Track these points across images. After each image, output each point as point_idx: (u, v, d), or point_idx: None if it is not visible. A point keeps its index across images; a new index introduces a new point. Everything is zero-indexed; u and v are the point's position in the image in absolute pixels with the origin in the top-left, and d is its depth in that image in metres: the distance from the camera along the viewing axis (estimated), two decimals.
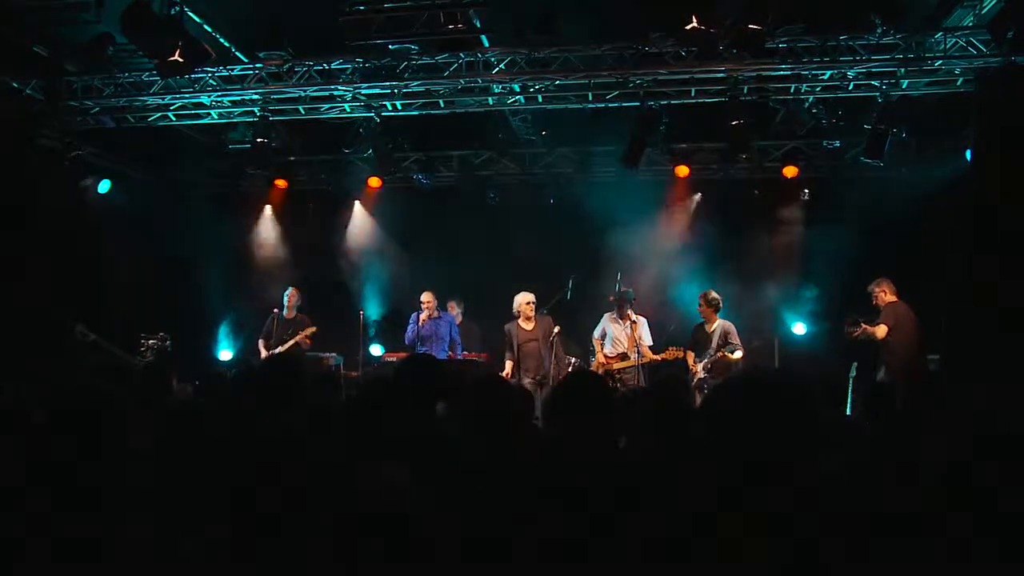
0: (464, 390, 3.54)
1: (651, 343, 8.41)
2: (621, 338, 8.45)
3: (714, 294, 8.36)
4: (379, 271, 10.68)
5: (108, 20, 6.88)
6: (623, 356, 8.38)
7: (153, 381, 4.42)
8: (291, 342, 8.99)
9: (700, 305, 8.36)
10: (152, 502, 2.01)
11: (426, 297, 8.84)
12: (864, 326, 7.56)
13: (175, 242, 10.33)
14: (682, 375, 8.11)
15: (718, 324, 8.23)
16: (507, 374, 8.26)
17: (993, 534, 1.65)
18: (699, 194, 10.34)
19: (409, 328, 8.91)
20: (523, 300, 8.39)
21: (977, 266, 6.64)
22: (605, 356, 8.49)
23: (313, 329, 9.16)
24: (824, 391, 5.08)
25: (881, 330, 7.54)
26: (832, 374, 7.47)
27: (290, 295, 9.31)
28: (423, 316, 8.78)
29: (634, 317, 8.43)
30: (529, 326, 8.38)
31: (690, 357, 8.32)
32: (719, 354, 8.05)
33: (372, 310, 10.44)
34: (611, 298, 8.53)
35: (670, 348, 8.28)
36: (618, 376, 8.21)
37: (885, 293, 7.81)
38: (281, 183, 10.54)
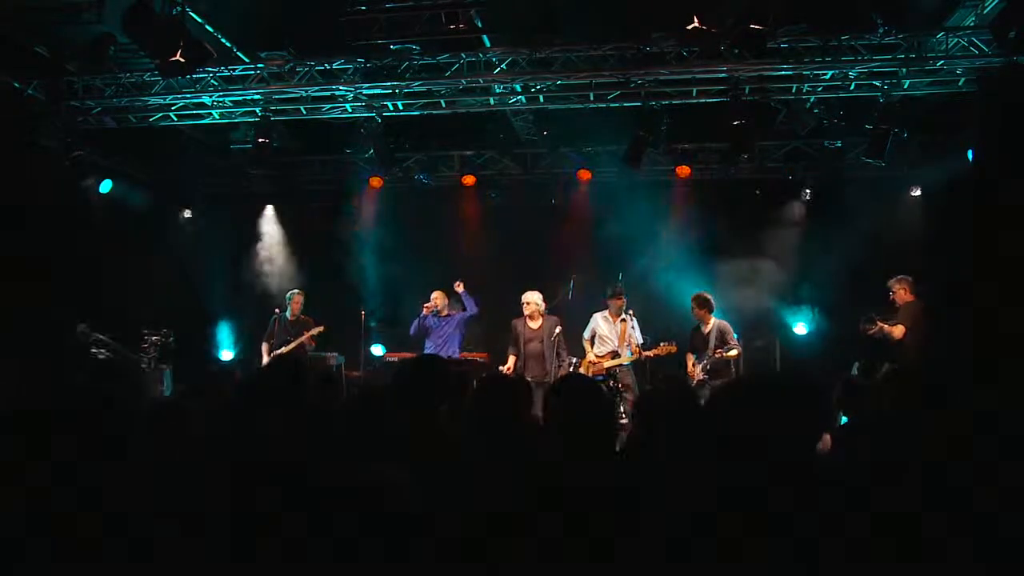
0: (466, 391, 3.54)
1: (641, 341, 8.38)
2: (611, 336, 8.42)
3: (705, 295, 8.30)
4: (380, 271, 10.68)
5: (109, 20, 6.89)
6: (614, 354, 8.36)
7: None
8: (295, 343, 8.99)
9: (693, 308, 8.30)
10: (152, 502, 2.01)
11: (434, 295, 8.96)
12: (881, 324, 7.51)
13: (176, 242, 10.35)
14: (682, 375, 8.10)
15: (713, 324, 8.19)
16: (509, 368, 8.27)
17: (994, 535, 1.64)
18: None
19: (413, 323, 9.03)
20: (532, 299, 8.38)
21: (978, 267, 6.65)
22: (596, 355, 8.47)
23: (320, 328, 9.17)
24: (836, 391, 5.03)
25: (899, 330, 7.46)
26: (833, 374, 7.46)
27: (295, 299, 9.30)
28: (426, 308, 8.87)
29: (623, 316, 8.42)
30: (535, 325, 8.38)
31: (690, 360, 8.30)
32: (716, 354, 8.03)
33: (373, 310, 10.44)
34: (612, 294, 8.46)
35: (662, 344, 8.25)
36: (612, 374, 8.18)
37: (905, 291, 7.71)
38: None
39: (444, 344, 8.84)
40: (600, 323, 8.54)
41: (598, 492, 2.01)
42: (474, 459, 2.61)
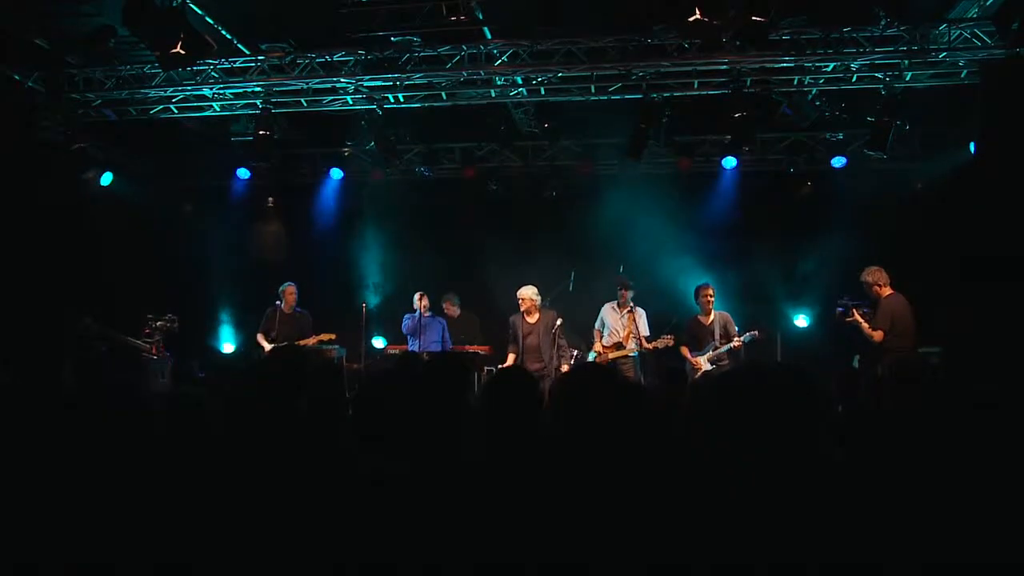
0: (470, 383, 3.55)
1: (647, 334, 8.40)
2: (618, 328, 8.46)
3: (710, 287, 8.38)
4: (381, 263, 10.68)
5: (109, 12, 6.89)
6: (618, 346, 8.39)
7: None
8: (303, 343, 8.81)
9: (696, 298, 8.40)
10: (153, 498, 2.02)
11: (421, 298, 9.02)
12: (856, 315, 7.29)
13: (177, 235, 10.34)
14: (680, 367, 8.15)
15: (716, 315, 8.26)
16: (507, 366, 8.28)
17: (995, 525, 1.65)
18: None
19: (406, 320, 9.07)
20: (527, 293, 8.40)
21: (979, 260, 6.64)
22: (602, 346, 8.51)
23: (332, 336, 9.09)
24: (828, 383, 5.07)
25: (878, 335, 7.15)
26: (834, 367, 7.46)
27: (288, 291, 9.18)
28: (423, 308, 8.93)
29: (631, 307, 8.45)
30: (532, 319, 8.39)
31: (685, 351, 8.32)
32: (724, 343, 8.10)
33: (374, 302, 10.43)
34: (619, 285, 8.50)
35: (662, 337, 8.29)
36: (615, 366, 8.19)
37: (880, 286, 7.28)
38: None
39: (429, 343, 8.93)
40: (609, 313, 8.58)
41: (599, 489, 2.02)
42: (475, 455, 2.62)
